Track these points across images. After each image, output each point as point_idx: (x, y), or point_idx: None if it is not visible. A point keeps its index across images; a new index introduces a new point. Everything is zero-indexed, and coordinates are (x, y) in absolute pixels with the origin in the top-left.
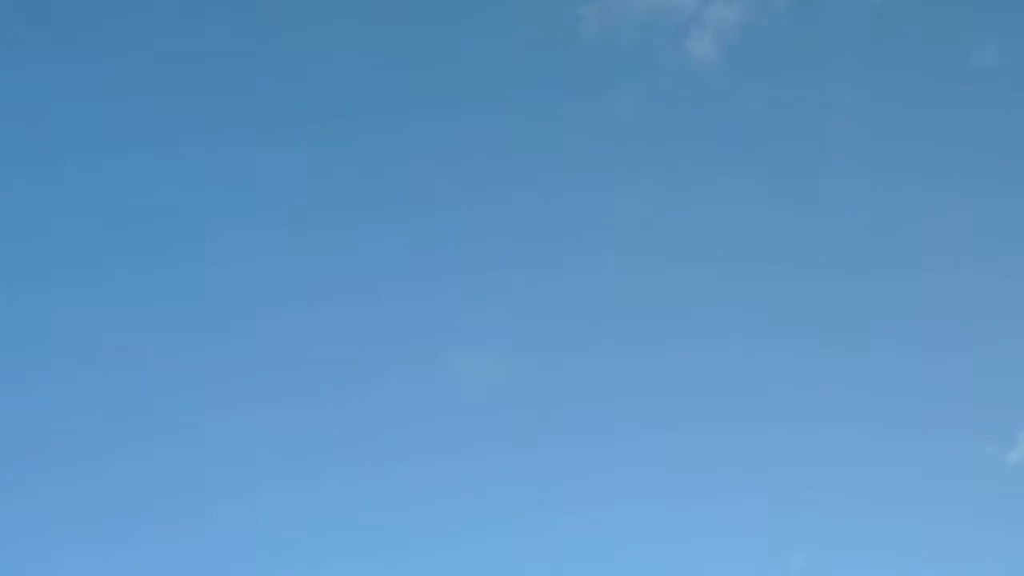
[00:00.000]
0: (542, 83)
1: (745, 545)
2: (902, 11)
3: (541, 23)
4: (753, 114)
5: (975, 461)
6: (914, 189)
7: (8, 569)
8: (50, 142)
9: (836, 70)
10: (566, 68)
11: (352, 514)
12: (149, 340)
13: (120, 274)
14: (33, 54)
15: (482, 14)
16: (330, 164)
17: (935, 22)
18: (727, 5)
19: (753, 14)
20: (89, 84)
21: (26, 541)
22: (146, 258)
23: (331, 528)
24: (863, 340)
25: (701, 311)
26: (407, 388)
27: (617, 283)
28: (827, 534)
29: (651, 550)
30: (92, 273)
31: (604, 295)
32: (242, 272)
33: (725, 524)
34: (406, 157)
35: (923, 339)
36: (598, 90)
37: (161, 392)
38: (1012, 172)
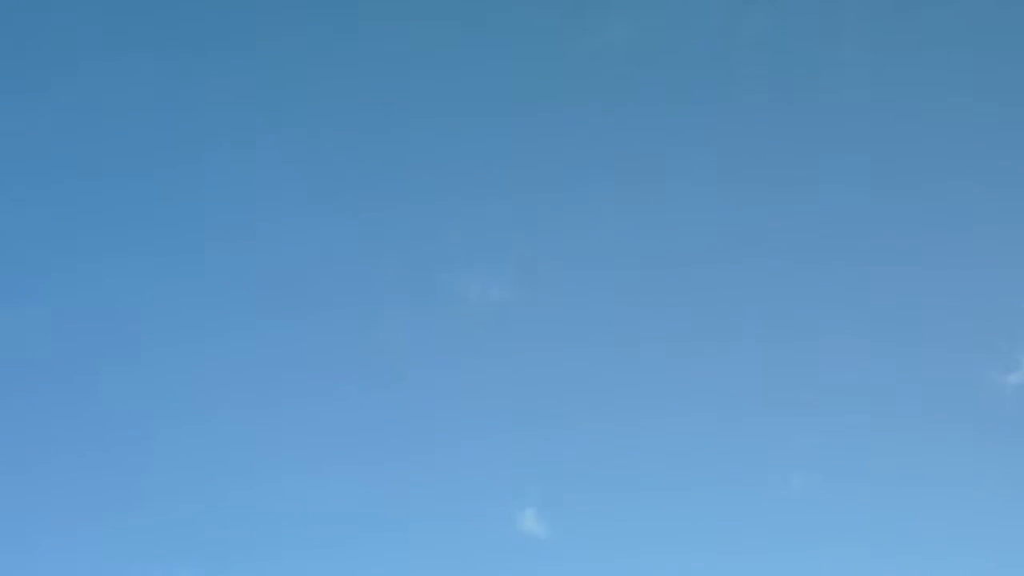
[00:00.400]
0: (539, 11)
1: (745, 466)
2: None
3: None
4: (753, 37)
5: (976, 383)
6: (917, 109)
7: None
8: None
9: None
10: None
11: (350, 435)
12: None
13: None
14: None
15: None
16: (334, 80)
17: None
18: None
19: None
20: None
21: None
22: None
23: (328, 448)
24: (864, 260)
25: (702, 229)
26: (405, 311)
27: (618, 206)
28: (827, 456)
29: (649, 469)
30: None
31: (605, 219)
32: (237, 189)
33: (724, 445)
34: (402, 82)
35: (925, 260)
36: (596, 16)
37: (158, 308)
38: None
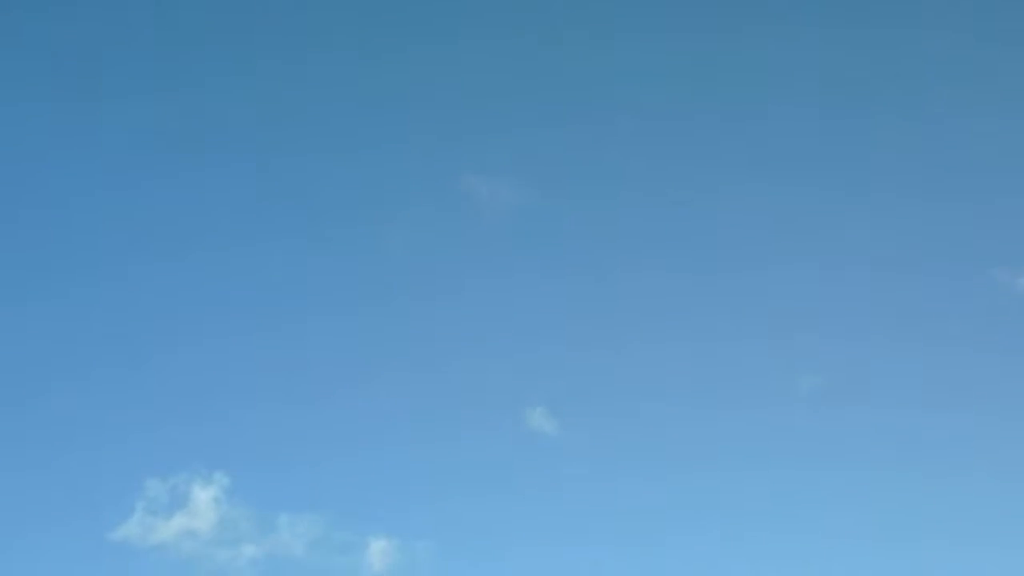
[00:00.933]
0: None
1: (754, 371)
2: None
3: None
4: None
5: (984, 287)
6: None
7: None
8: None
9: None
10: None
11: (371, 340)
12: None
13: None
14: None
15: None
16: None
17: None
18: None
19: None
20: None
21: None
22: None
23: (350, 355)
24: (873, 170)
25: (714, 151)
26: (426, 214)
27: (634, 123)
28: (835, 360)
29: (658, 372)
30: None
31: (621, 133)
32: (254, 117)
33: (735, 352)
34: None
35: (933, 167)
36: None
37: (177, 213)
38: None
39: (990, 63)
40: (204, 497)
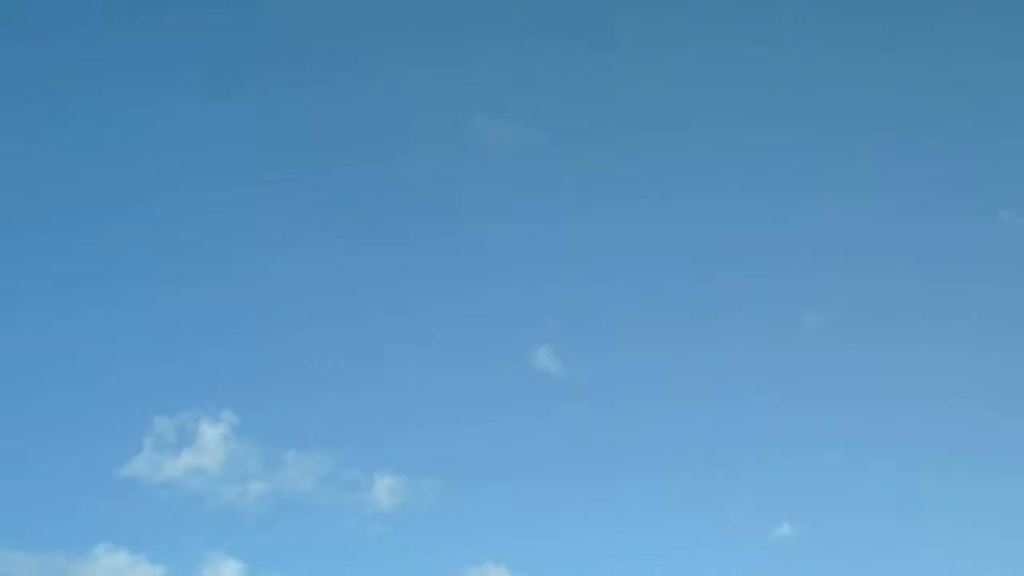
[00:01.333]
0: None
1: (758, 307)
2: None
3: None
4: None
5: (991, 226)
6: None
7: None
8: None
9: None
10: None
11: (377, 280)
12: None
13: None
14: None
15: None
16: None
17: None
18: None
19: None
20: None
21: None
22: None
23: (356, 294)
24: (883, 109)
25: (724, 89)
26: (431, 153)
27: (638, 64)
28: (840, 297)
29: (664, 310)
30: None
31: (625, 75)
32: (268, 39)
33: (738, 288)
34: None
35: (940, 108)
36: None
37: (192, 145)
38: None
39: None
40: (212, 434)
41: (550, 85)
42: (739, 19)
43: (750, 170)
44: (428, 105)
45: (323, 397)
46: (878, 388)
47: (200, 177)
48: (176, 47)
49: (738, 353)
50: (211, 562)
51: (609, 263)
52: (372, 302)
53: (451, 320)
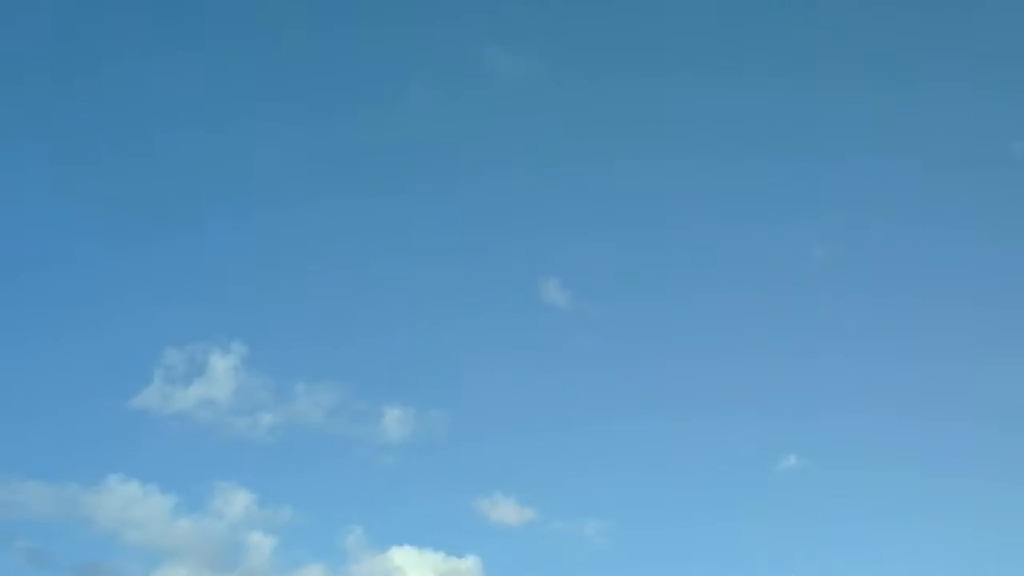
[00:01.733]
0: None
1: (766, 246)
2: None
3: None
4: None
5: (1003, 161)
6: None
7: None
8: None
9: None
10: None
11: (388, 214)
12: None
13: None
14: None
15: None
16: None
17: None
18: None
19: None
20: None
21: None
22: None
23: (367, 228)
24: (894, 52)
25: (736, 37)
26: (441, 84)
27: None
28: (846, 231)
29: (676, 251)
30: None
31: (647, 9)
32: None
33: (747, 229)
34: None
35: (951, 49)
36: None
37: (198, 93)
38: None
39: None
40: (222, 366)
41: (566, 20)
42: None
43: (762, 117)
44: (437, 35)
45: (333, 330)
46: (888, 334)
47: (215, 118)
48: None
49: (745, 294)
50: (221, 492)
51: (618, 200)
52: (381, 238)
53: (458, 254)
